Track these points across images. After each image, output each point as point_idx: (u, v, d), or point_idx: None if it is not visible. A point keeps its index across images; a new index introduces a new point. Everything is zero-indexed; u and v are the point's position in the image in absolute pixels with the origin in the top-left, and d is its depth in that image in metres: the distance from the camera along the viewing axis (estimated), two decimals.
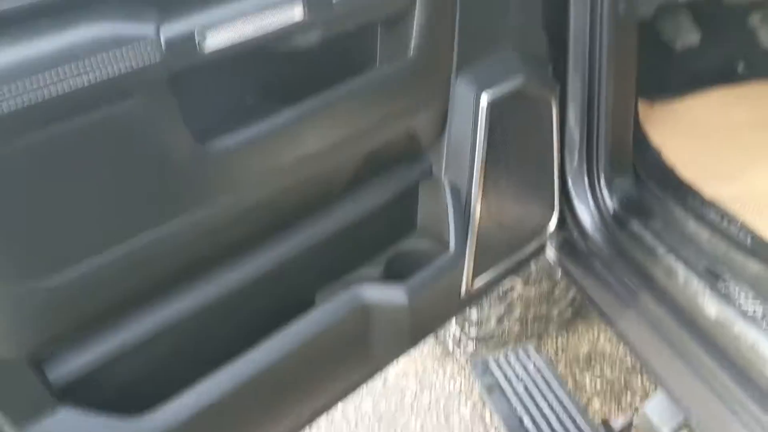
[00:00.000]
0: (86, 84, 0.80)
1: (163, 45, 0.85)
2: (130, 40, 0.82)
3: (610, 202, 1.69)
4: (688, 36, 1.91)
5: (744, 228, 1.58)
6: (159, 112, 0.89)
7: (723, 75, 2.00)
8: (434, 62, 1.25)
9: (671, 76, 2.00)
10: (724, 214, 1.62)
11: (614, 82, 1.61)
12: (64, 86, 0.78)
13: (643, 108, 1.90)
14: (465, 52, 1.29)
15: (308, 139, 1.10)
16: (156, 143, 0.91)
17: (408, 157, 1.37)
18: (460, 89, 1.31)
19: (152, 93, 0.87)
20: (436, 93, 1.28)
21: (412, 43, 1.18)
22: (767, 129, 1.88)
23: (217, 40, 0.89)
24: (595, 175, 1.69)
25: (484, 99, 1.31)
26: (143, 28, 0.84)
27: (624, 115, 1.69)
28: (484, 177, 1.38)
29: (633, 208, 1.68)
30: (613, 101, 1.63)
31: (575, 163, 1.67)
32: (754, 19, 1.99)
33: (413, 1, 1.15)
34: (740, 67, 2.01)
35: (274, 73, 1.10)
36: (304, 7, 0.96)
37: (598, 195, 1.68)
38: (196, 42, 0.88)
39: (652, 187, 1.73)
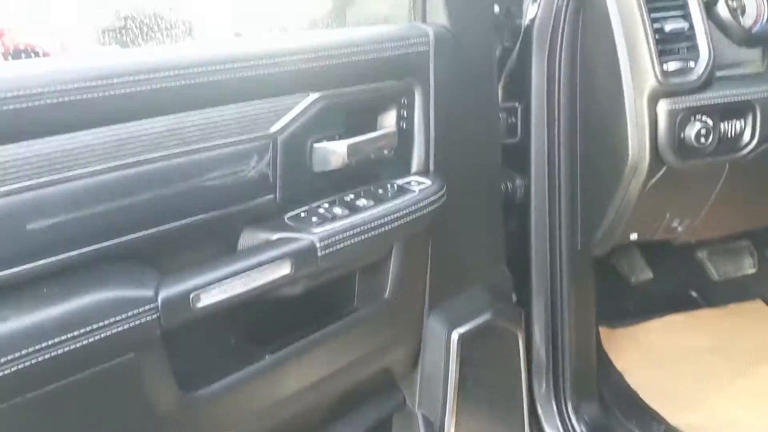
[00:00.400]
0: (86, 345, 0.85)
1: (160, 307, 0.91)
2: (130, 304, 0.89)
3: (578, 428, 1.73)
4: (642, 273, 2.06)
5: None
6: (150, 366, 0.94)
7: (679, 302, 2.13)
8: (408, 303, 1.34)
9: (629, 302, 2.12)
10: None
11: (575, 310, 1.72)
12: (65, 349, 0.84)
13: (604, 333, 2.00)
14: (436, 292, 1.38)
15: (289, 382, 1.15)
16: (144, 395, 0.95)
17: (382, 390, 1.41)
18: (433, 327, 1.39)
19: (145, 349, 0.93)
20: (410, 330, 1.36)
21: (388, 286, 1.27)
22: (726, 354, 1.97)
23: (209, 298, 0.97)
24: (563, 400, 1.74)
25: (455, 336, 1.38)
26: (143, 293, 0.91)
27: (586, 341, 1.77)
28: (457, 409, 1.42)
29: None
30: (576, 328, 1.72)
31: (543, 389, 1.72)
32: (702, 255, 2.16)
33: (390, 251, 1.26)
34: (694, 295, 2.14)
35: (257, 318, 1.16)
36: (291, 265, 1.05)
37: (567, 421, 1.72)
38: (190, 301, 0.95)
39: (617, 414, 1.78)
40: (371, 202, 1.19)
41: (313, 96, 1.13)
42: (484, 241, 1.52)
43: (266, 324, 1.18)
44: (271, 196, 1.12)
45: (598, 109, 1.54)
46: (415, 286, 1.34)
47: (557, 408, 1.73)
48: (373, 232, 1.15)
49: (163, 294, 0.92)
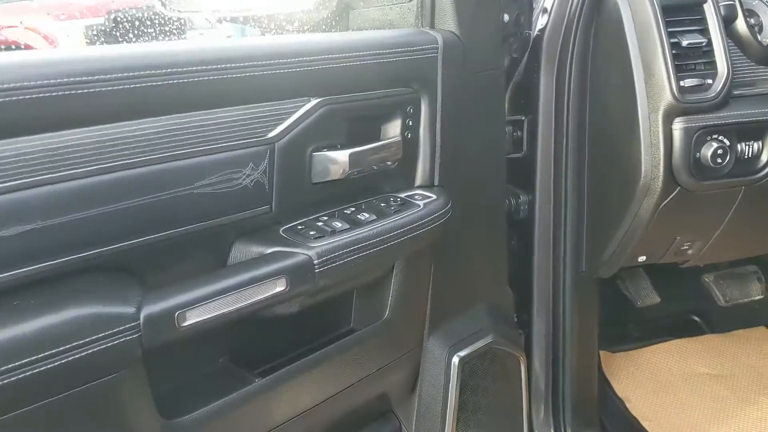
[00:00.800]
0: (59, 366, 0.77)
1: (141, 325, 0.83)
2: (109, 322, 0.81)
3: None
4: (648, 297, 1.99)
5: None
6: (129, 390, 0.86)
7: (682, 327, 2.06)
8: (409, 323, 1.26)
9: (630, 325, 2.05)
10: None
11: (578, 333, 1.65)
12: (36, 371, 0.75)
13: (604, 357, 1.93)
14: (437, 312, 1.31)
15: (280, 408, 1.06)
16: (121, 422, 0.87)
17: (377, 415, 1.33)
18: (432, 349, 1.31)
19: (124, 371, 0.84)
20: (409, 353, 1.28)
21: (388, 306, 1.20)
22: (731, 382, 1.90)
23: (195, 316, 0.89)
24: (562, 427, 1.67)
25: (456, 360, 1.31)
26: (124, 309, 0.83)
27: (588, 366, 1.70)
28: None
29: None
30: (578, 352, 1.65)
31: (542, 414, 1.65)
32: (708, 279, 2.10)
33: (391, 268, 1.18)
34: (697, 321, 2.08)
35: (246, 338, 1.08)
36: (287, 282, 0.97)
37: None
38: (175, 319, 0.87)
39: None
40: (373, 216, 1.12)
41: (314, 101, 1.06)
42: (488, 259, 1.45)
43: (256, 344, 1.10)
44: (266, 207, 1.04)
45: (609, 125, 1.48)
46: (416, 305, 1.27)
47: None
48: (375, 249, 1.07)
49: (146, 311, 0.84)
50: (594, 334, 1.69)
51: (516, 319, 1.61)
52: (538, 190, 1.56)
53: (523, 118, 1.56)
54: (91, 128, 0.84)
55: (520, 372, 1.48)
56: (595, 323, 1.69)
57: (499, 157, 1.46)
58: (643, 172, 1.39)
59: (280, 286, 0.97)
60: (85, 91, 0.82)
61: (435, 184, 1.26)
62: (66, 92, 0.80)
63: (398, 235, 1.11)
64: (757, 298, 2.08)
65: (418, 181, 1.25)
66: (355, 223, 1.09)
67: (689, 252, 1.56)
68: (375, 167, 1.16)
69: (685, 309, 2.05)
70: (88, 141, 0.84)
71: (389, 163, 1.18)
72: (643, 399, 1.85)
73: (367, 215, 1.11)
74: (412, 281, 1.22)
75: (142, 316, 0.84)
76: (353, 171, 1.11)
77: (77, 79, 0.81)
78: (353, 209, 1.13)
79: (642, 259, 1.57)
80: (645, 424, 1.76)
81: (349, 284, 1.13)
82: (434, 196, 1.21)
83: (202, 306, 0.89)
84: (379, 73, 1.15)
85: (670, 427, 1.76)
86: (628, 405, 1.83)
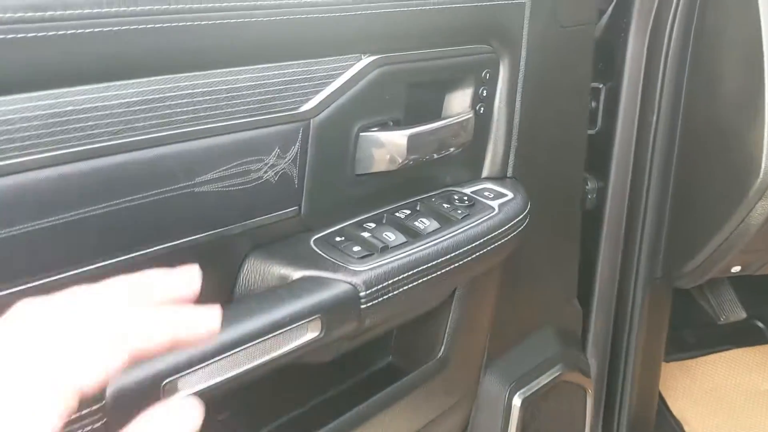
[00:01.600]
0: None
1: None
2: None
3: None
4: (733, 312, 1.70)
5: None
6: None
7: (743, 334, 1.79)
8: (466, 360, 0.97)
9: (685, 332, 1.77)
10: None
11: (641, 354, 1.37)
12: None
13: None
14: (497, 342, 1.02)
15: None
16: None
17: None
18: (489, 386, 1.02)
19: None
20: (465, 395, 0.99)
21: (444, 341, 0.90)
22: None
23: (190, 386, 0.59)
24: None
25: (518, 401, 1.02)
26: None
27: (649, 388, 1.44)
28: None
29: None
30: (639, 377, 1.38)
31: None
32: None
33: (453, 292, 0.88)
34: (761, 326, 1.80)
35: (258, 388, 0.79)
36: (322, 325, 0.67)
37: None
38: (162, 392, 0.57)
39: None
40: (435, 224, 0.81)
41: (368, 59, 0.74)
42: (558, 269, 1.16)
43: (266, 395, 0.80)
44: (293, 209, 0.74)
45: (719, 107, 1.16)
46: (476, 337, 0.97)
47: None
48: (439, 271, 0.77)
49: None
50: (660, 355, 1.42)
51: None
52: (612, 175, 1.25)
53: (600, 85, 1.25)
54: (40, 93, 0.53)
55: (587, 405, 1.20)
56: (663, 341, 1.42)
57: (579, 137, 1.15)
58: (763, 169, 1.09)
59: (312, 332, 0.67)
60: (30, 35, 0.50)
61: (508, 176, 0.96)
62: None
63: (469, 251, 0.80)
64: None
65: (485, 172, 0.95)
66: (412, 234, 0.78)
67: None
68: (436, 154, 0.85)
69: (749, 314, 1.77)
70: (34, 113, 0.53)
71: (452, 148, 0.87)
72: (701, 420, 1.59)
73: (427, 222, 0.80)
74: (475, 307, 0.93)
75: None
76: (410, 158, 0.80)
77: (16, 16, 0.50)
78: (408, 212, 0.83)
79: (737, 269, 1.28)
80: None
81: (399, 320, 0.84)
82: (510, 194, 0.91)
83: (200, 371, 0.59)
84: (449, 23, 0.83)
85: None
86: (686, 428, 1.57)
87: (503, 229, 0.85)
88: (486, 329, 0.98)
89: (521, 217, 0.88)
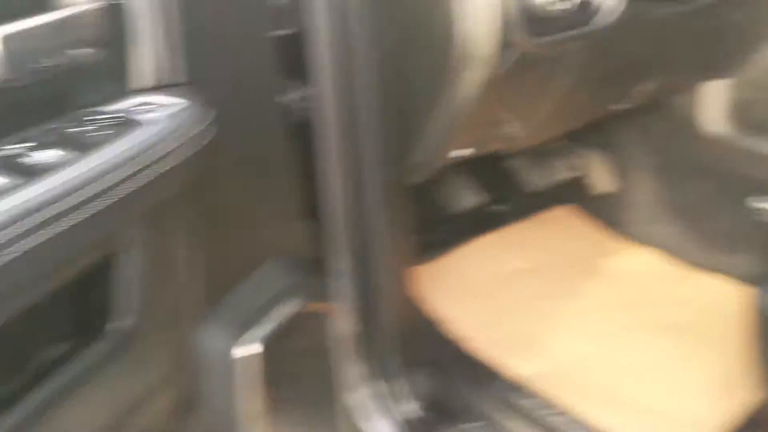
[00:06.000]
0: None
1: None
2: None
3: (408, 409, 1.33)
4: (466, 199, 1.65)
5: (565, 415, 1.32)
6: None
7: (484, 221, 1.78)
8: (171, 317, 0.77)
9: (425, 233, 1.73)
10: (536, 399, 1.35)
11: (388, 260, 1.28)
12: None
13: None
14: (217, 288, 0.84)
15: None
16: None
17: None
18: (209, 341, 0.84)
19: None
20: (177, 357, 0.80)
21: (127, 305, 0.70)
22: (544, 275, 1.69)
23: None
24: (383, 379, 1.32)
25: (247, 346, 0.86)
26: None
27: (405, 296, 1.36)
28: None
29: (436, 409, 1.34)
30: (390, 285, 1.29)
31: (357, 371, 1.27)
32: (513, 164, 1.82)
33: (129, 239, 0.68)
34: (500, 209, 1.81)
35: None
36: None
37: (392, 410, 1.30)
38: None
39: (449, 376, 1.41)
40: (62, 154, 0.60)
41: None
42: (278, 193, 1.00)
43: None
44: None
45: None
46: (179, 288, 0.78)
47: (377, 390, 1.31)
48: (77, 215, 0.57)
49: None
50: (409, 259, 1.34)
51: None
52: (320, 80, 1.11)
53: None
54: None
55: (335, 333, 1.08)
56: (409, 245, 1.34)
57: (260, 36, 0.98)
58: (456, 40, 1.00)
59: None
60: None
61: (179, 83, 0.76)
62: None
63: (125, 180, 0.61)
64: (565, 177, 1.86)
65: (149, 81, 0.75)
66: (25, 173, 0.56)
67: (514, 135, 1.23)
68: (58, 64, 0.63)
69: (486, 201, 1.77)
70: None
71: (86, 51, 0.66)
72: (461, 315, 1.56)
73: (50, 154, 0.58)
74: (168, 250, 0.73)
75: None
76: (14, 71, 0.58)
77: None
78: (19, 145, 0.60)
79: (469, 151, 1.21)
80: (472, 343, 1.49)
81: (40, 289, 0.62)
82: (183, 102, 0.72)
83: None
84: None
85: (499, 339, 1.50)
86: (449, 327, 1.53)
87: (175, 143, 0.66)
88: (195, 276, 0.80)
89: (202, 126, 0.70)
